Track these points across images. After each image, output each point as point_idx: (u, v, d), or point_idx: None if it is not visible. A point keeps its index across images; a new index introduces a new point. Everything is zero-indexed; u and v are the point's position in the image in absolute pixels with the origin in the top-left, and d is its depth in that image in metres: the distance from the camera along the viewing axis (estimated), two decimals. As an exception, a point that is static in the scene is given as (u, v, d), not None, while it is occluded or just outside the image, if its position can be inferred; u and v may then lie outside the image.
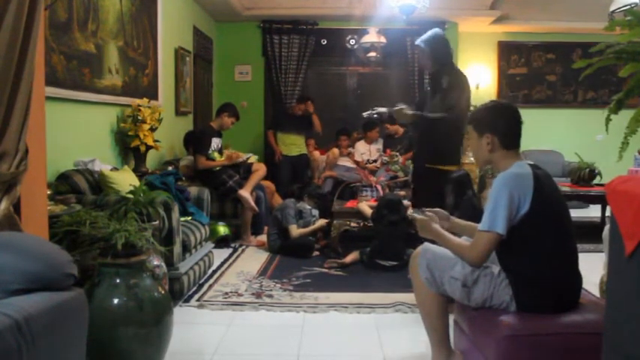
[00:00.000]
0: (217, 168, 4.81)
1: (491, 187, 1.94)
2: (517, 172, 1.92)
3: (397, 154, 5.46)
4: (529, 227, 1.87)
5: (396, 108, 3.43)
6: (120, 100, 4.02)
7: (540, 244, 1.89)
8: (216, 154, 4.92)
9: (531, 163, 1.99)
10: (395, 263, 3.92)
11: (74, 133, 3.43)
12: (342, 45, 7.45)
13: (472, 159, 6.87)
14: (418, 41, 3.44)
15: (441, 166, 3.29)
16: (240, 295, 3.38)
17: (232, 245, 4.72)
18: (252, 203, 4.75)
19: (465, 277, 1.96)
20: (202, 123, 6.00)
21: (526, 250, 1.90)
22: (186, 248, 3.27)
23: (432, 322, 2.10)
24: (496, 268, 2.00)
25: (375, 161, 6.37)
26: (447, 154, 3.35)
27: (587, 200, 5.50)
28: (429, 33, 3.42)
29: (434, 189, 3.34)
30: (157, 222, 2.75)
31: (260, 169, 5.01)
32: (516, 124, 2.05)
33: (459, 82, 3.28)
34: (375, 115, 3.61)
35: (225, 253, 4.45)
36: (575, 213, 2.05)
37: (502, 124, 2.04)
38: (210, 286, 3.53)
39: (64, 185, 3.03)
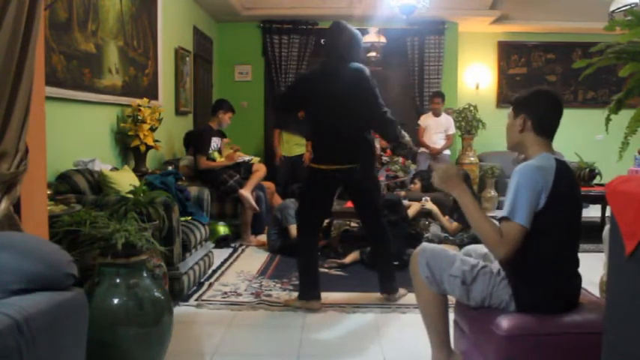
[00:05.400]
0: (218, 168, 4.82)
1: (511, 177, 1.89)
2: (540, 165, 1.87)
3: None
4: (537, 226, 1.84)
5: None
6: (120, 100, 4.02)
7: (545, 244, 1.86)
8: (216, 154, 4.92)
9: (559, 158, 1.94)
10: (395, 263, 3.92)
11: (74, 133, 3.43)
12: (342, 45, 7.43)
13: (472, 159, 6.91)
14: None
15: (313, 164, 3.29)
16: (239, 294, 3.38)
17: (232, 245, 4.72)
18: (253, 202, 4.75)
19: (464, 275, 1.96)
20: (201, 123, 6.01)
21: (530, 249, 1.86)
22: (186, 248, 3.27)
23: (433, 322, 2.10)
24: (495, 267, 2.00)
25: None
26: (314, 151, 3.35)
27: (587, 200, 5.49)
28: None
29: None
30: (157, 222, 2.75)
31: (260, 170, 5.01)
32: (554, 112, 2.00)
33: (304, 71, 3.24)
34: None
35: (225, 253, 4.45)
36: (576, 213, 2.03)
37: (539, 108, 1.98)
38: (210, 286, 3.53)
39: (64, 185, 3.03)
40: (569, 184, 1.91)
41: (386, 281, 3.32)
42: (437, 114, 6.66)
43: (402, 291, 3.34)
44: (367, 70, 3.16)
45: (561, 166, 1.90)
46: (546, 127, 1.99)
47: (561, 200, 1.85)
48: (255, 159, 5.29)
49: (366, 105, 3.14)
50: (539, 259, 1.87)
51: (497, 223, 1.91)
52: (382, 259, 3.37)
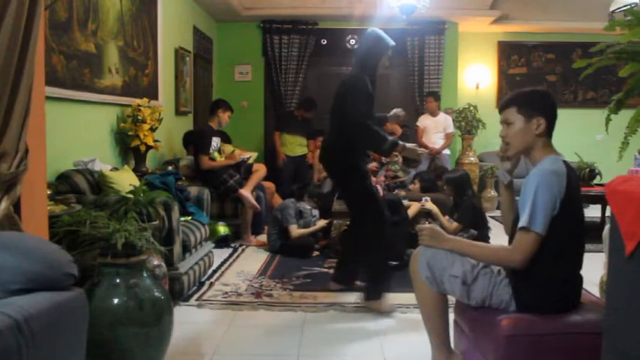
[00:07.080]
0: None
1: (525, 182, 1.86)
2: (555, 170, 1.86)
3: (397, 154, 5.44)
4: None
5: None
6: (120, 100, 4.02)
7: (549, 246, 1.85)
8: (216, 154, 4.93)
9: (564, 159, 1.93)
10: (395, 263, 3.92)
11: (74, 133, 3.43)
12: (342, 45, 7.45)
13: (472, 159, 6.90)
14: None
15: None
16: (240, 294, 3.38)
17: (232, 245, 4.72)
18: (253, 201, 4.75)
19: (464, 275, 1.96)
20: (201, 123, 6.02)
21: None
22: (186, 248, 3.27)
23: (433, 322, 2.10)
24: (495, 267, 1.99)
25: (375, 161, 6.36)
26: None
27: (587, 200, 5.49)
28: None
29: None
30: (157, 222, 2.75)
31: (260, 170, 5.02)
32: (556, 111, 2.01)
33: None
34: None
35: (225, 252, 4.45)
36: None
37: (551, 109, 1.98)
38: (211, 286, 3.53)
39: (64, 185, 3.03)
40: (576, 187, 1.91)
41: (369, 288, 3.17)
42: (433, 114, 6.67)
43: (375, 304, 3.11)
44: (355, 79, 3.16)
45: (569, 169, 1.90)
46: (552, 128, 1.99)
47: (571, 204, 1.85)
48: (254, 154, 5.30)
49: (342, 114, 3.15)
50: (541, 261, 1.86)
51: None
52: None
